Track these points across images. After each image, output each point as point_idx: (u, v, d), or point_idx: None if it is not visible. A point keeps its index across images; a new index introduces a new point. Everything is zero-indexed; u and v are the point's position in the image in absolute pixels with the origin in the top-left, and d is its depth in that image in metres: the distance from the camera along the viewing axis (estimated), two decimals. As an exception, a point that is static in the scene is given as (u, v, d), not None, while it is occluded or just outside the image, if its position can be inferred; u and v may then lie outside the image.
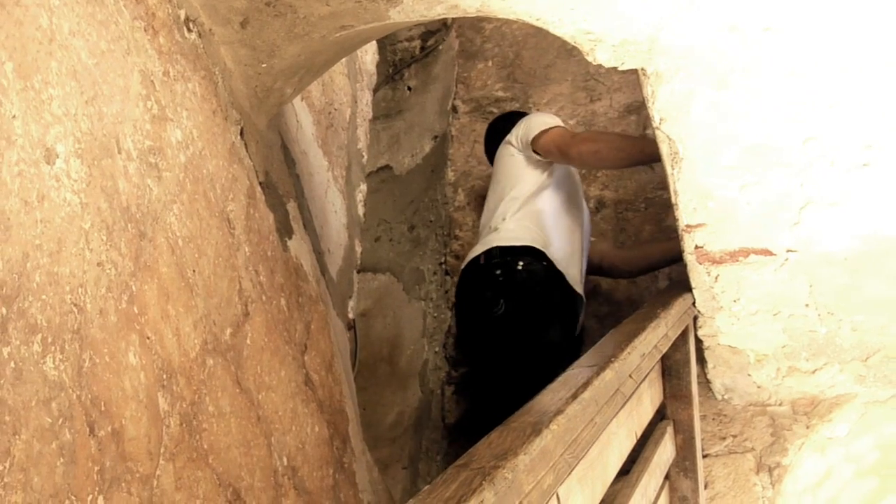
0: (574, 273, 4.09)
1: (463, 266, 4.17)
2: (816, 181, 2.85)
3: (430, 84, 5.74)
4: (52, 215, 1.92)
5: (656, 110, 2.80)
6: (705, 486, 3.26)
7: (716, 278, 3.11)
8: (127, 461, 2.11)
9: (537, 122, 4.10)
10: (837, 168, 2.81)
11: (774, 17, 2.57)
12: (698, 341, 3.30)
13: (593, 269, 4.40)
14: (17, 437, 1.75)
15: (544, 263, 3.98)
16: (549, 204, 4.14)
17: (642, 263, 4.34)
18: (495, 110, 5.36)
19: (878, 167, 2.78)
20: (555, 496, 1.54)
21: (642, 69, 2.74)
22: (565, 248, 4.10)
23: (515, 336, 3.92)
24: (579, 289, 4.11)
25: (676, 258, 3.69)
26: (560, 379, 1.94)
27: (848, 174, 2.81)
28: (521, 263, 3.96)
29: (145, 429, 2.17)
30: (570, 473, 1.62)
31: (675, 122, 2.80)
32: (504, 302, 3.95)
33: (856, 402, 3.36)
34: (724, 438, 3.46)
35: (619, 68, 2.74)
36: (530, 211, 4.07)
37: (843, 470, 3.48)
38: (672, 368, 3.00)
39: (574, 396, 1.69)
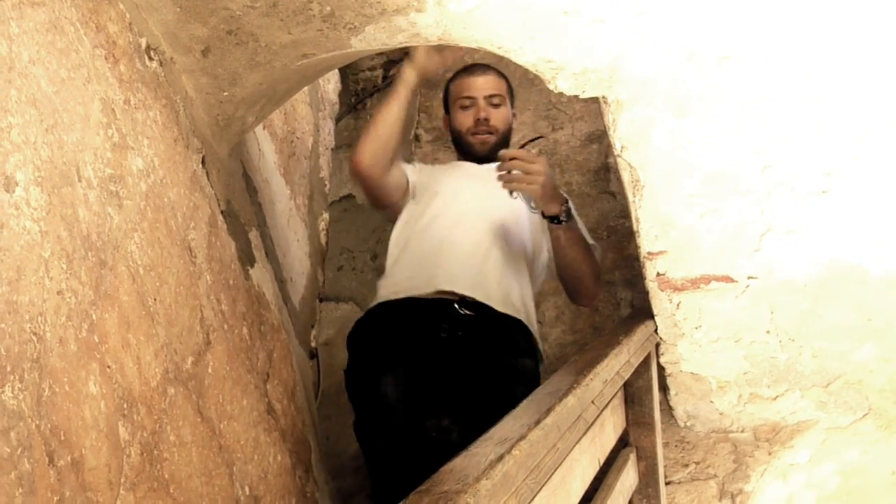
0: (424, 281, 3.38)
1: None
2: (776, 208, 2.87)
3: (392, 113, 5.74)
4: (11, 243, 1.91)
5: (617, 138, 2.82)
6: (668, 514, 3.27)
7: (677, 305, 3.12)
8: (87, 491, 2.09)
9: None
10: (797, 195, 2.84)
11: (731, 45, 2.60)
12: (661, 368, 3.31)
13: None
14: (-25, 466, 1.73)
15: (371, 308, 3.46)
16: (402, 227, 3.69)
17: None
18: (458, 139, 5.38)
19: (836, 194, 2.81)
20: (517, 522, 1.54)
21: (603, 97, 2.76)
22: (414, 265, 3.48)
23: None
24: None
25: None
26: (523, 405, 1.94)
27: (807, 201, 2.83)
28: None
29: (105, 458, 2.16)
30: (532, 500, 1.62)
31: (636, 149, 2.82)
32: None
33: (817, 428, 3.37)
34: (686, 465, 3.46)
35: (581, 96, 2.76)
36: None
37: (805, 496, 3.49)
38: (635, 395, 3.01)
39: (536, 422, 1.69)
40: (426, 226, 3.54)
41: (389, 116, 3.46)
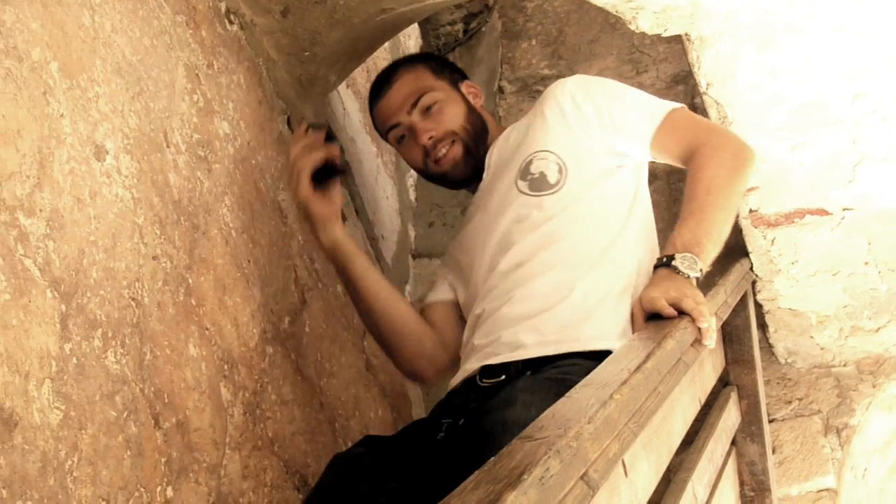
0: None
1: None
2: (869, 137, 2.82)
3: (474, 67, 5.71)
4: (105, 211, 1.93)
5: (702, 75, 2.77)
6: (773, 451, 3.24)
7: (772, 241, 3.08)
8: (193, 452, 2.12)
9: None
10: (890, 123, 2.78)
11: (819, -29, 2.54)
12: (758, 306, 3.28)
13: None
14: (83, 431, 1.76)
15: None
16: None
17: None
18: (541, 88, 5.32)
19: (931, 119, 2.75)
20: (620, 463, 1.53)
21: (686, 34, 2.72)
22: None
23: None
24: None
25: None
26: (621, 350, 1.92)
27: (900, 128, 2.78)
28: None
29: (209, 419, 2.19)
30: (634, 441, 1.62)
31: (721, 86, 2.78)
32: None
33: (922, 357, 3.33)
34: (789, 402, 3.43)
35: (663, 35, 2.72)
36: None
37: (913, 427, 3.46)
38: (733, 334, 2.97)
39: (637, 367, 1.68)
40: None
41: (356, 302, 2.74)
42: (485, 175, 2.75)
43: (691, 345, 2.09)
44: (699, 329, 2.11)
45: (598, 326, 2.35)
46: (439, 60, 2.90)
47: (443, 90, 2.76)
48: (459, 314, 2.76)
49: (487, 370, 2.36)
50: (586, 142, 2.57)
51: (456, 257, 2.85)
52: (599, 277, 2.42)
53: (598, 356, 2.15)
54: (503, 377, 2.31)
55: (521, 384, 2.16)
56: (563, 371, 2.19)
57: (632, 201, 2.58)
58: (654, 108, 2.60)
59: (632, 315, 2.30)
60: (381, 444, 2.32)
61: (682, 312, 2.09)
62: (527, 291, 2.43)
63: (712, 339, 2.16)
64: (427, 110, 2.72)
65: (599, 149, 2.58)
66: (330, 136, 2.67)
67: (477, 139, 2.75)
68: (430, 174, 2.81)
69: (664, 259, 2.24)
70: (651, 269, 2.35)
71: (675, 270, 2.20)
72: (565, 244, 2.47)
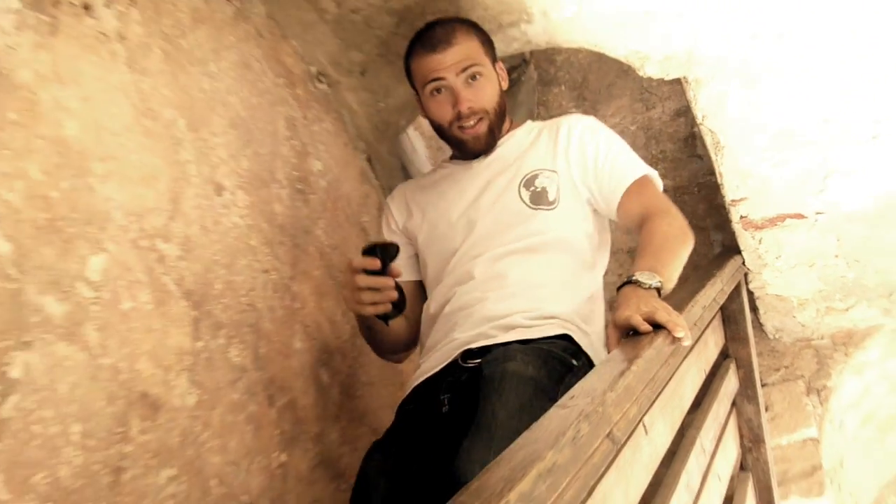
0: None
1: None
2: (836, 154, 2.78)
3: (516, 109, 5.69)
4: (224, 236, 1.95)
5: (699, 110, 2.75)
6: (766, 409, 3.20)
7: (759, 241, 3.05)
8: (301, 424, 2.14)
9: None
10: (852, 142, 2.74)
11: (785, 25, 2.51)
12: (750, 293, 3.24)
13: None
14: (213, 411, 1.78)
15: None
16: None
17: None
18: (570, 124, 5.31)
19: (885, 138, 2.71)
20: (641, 425, 1.53)
21: (684, 77, 2.70)
22: (426, 349, 2.27)
23: None
24: None
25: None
26: (634, 337, 1.89)
27: (861, 146, 2.74)
28: None
29: (313, 398, 2.20)
30: (651, 406, 1.61)
31: (714, 117, 2.75)
32: None
33: (884, 330, 3.27)
34: (778, 370, 3.39)
35: (666, 79, 2.70)
36: None
37: (878, 387, 3.41)
38: (730, 317, 2.95)
39: (650, 342, 1.67)
40: (430, 296, 2.32)
41: (367, 338, 2.24)
42: (484, 156, 2.38)
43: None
44: (675, 338, 1.76)
45: (572, 331, 2.11)
46: (487, 37, 2.39)
47: (486, 66, 2.31)
48: (422, 290, 2.39)
49: (469, 353, 2.06)
50: (577, 173, 2.30)
51: (422, 211, 2.43)
52: (569, 298, 2.19)
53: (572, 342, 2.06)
54: (487, 357, 2.00)
55: (515, 346, 1.96)
56: (546, 343, 2.00)
57: (598, 239, 2.37)
58: (632, 168, 2.32)
59: (606, 339, 1.89)
60: (394, 445, 2.01)
61: (656, 326, 1.77)
62: (501, 297, 2.15)
63: (689, 339, 1.80)
64: (471, 79, 2.26)
65: (582, 183, 2.30)
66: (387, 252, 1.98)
67: (499, 122, 2.35)
68: (450, 135, 2.34)
69: (626, 279, 1.92)
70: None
71: (638, 284, 1.89)
72: (543, 260, 2.21)
